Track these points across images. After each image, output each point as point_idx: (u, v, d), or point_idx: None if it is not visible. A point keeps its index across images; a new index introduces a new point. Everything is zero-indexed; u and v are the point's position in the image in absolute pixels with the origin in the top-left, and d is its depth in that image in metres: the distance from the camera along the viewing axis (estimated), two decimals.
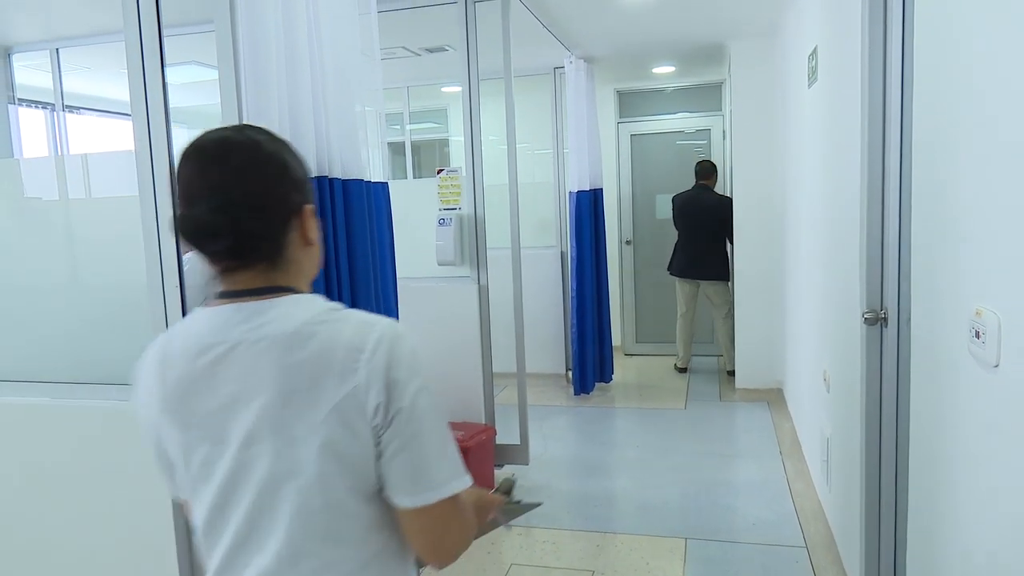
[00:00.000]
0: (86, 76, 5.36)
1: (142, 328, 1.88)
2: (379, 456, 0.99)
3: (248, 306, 1.00)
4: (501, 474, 4.04)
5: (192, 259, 2.88)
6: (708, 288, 5.90)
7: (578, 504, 3.69)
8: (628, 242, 6.81)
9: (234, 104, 1.73)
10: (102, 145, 6.18)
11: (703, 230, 5.80)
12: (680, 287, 6.01)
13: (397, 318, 2.25)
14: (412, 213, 4.04)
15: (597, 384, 5.68)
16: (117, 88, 5.73)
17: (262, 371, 0.97)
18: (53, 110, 5.08)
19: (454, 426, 3.77)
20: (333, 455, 0.96)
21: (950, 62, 1.61)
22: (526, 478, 4.03)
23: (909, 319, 1.97)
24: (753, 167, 5.28)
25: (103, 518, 1.95)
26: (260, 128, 1.07)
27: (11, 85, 4.79)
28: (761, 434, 4.60)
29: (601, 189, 5.65)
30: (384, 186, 2.19)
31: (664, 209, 6.55)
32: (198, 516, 1.05)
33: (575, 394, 5.57)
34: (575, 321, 5.43)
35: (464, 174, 3.91)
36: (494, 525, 1.36)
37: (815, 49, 3.43)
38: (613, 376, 5.83)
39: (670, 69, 6.30)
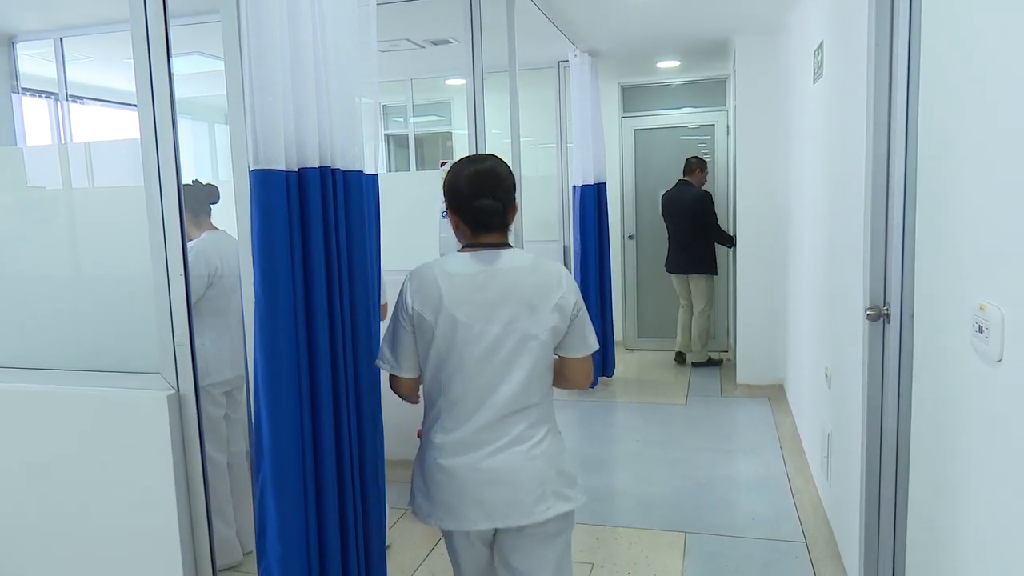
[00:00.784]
0: (90, 65, 5.35)
1: (145, 316, 1.89)
2: (567, 331, 1.84)
3: (493, 252, 1.81)
4: None
5: (196, 247, 2.89)
6: (690, 281, 6.04)
7: None
8: (631, 237, 6.81)
9: (240, 94, 1.72)
10: (105, 134, 6.18)
11: (683, 226, 5.94)
12: (675, 282, 6.15)
13: (380, 309, 2.24)
14: (415, 205, 4.04)
15: (599, 379, 5.69)
16: (120, 78, 5.73)
17: (517, 284, 1.79)
18: (56, 99, 5.08)
19: None
20: (551, 328, 1.80)
21: (956, 57, 1.61)
22: None
23: (912, 315, 1.97)
24: (757, 163, 5.27)
25: (107, 504, 1.96)
26: (500, 158, 1.89)
27: (15, 74, 4.79)
28: (762, 430, 4.61)
29: (604, 184, 5.64)
30: (374, 179, 2.19)
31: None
32: (453, 371, 1.78)
33: None
34: None
35: None
36: None
37: (821, 44, 3.42)
38: (615, 371, 5.83)
39: (674, 64, 6.28)
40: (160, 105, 1.75)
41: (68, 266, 2.46)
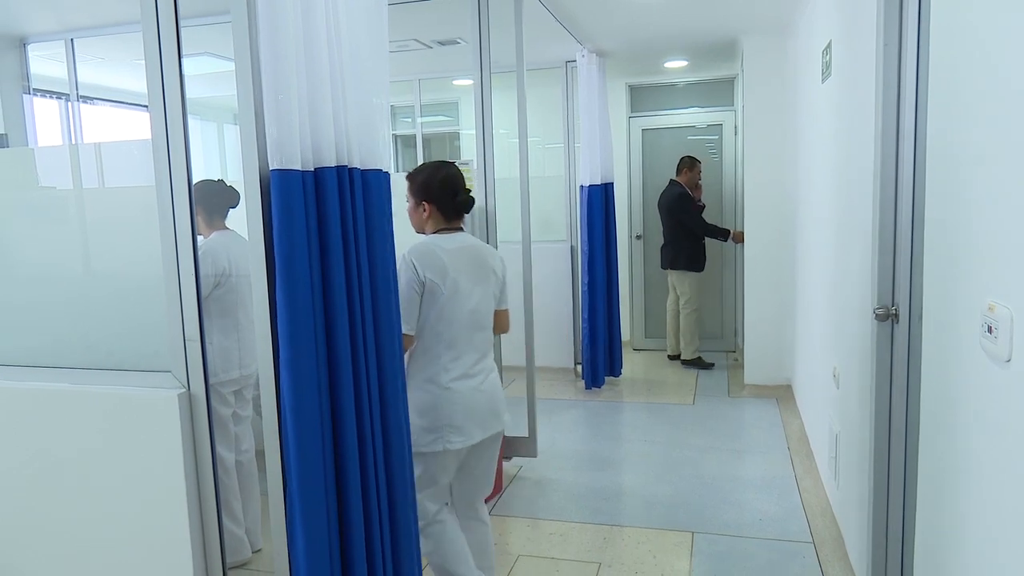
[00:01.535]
0: (100, 66, 5.39)
1: (156, 315, 1.90)
2: (501, 290, 2.54)
3: (461, 234, 2.47)
4: (509, 467, 4.06)
5: (204, 247, 2.91)
6: (672, 277, 6.13)
7: (586, 497, 3.71)
8: (638, 237, 6.81)
9: (250, 95, 1.73)
10: (115, 135, 6.21)
11: (666, 223, 6.10)
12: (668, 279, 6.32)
13: (398, 309, 2.25)
14: None
15: (606, 378, 5.69)
16: (130, 78, 5.77)
17: (483, 256, 2.48)
18: (67, 100, 5.12)
19: None
20: (499, 289, 2.53)
21: (965, 57, 1.61)
22: (534, 471, 4.05)
23: (920, 315, 1.96)
24: (765, 163, 5.27)
25: (118, 502, 1.97)
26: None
27: (26, 75, 4.82)
28: (769, 430, 4.60)
29: (612, 184, 5.64)
30: (386, 176, 2.20)
31: None
32: (451, 322, 2.37)
33: (585, 388, 5.58)
34: (585, 315, 5.44)
35: (475, 167, 3.92)
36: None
37: (829, 44, 3.41)
38: (622, 371, 5.83)
39: (682, 64, 6.28)
40: (171, 105, 1.76)
41: (79, 265, 2.48)
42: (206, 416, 1.87)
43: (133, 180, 2.33)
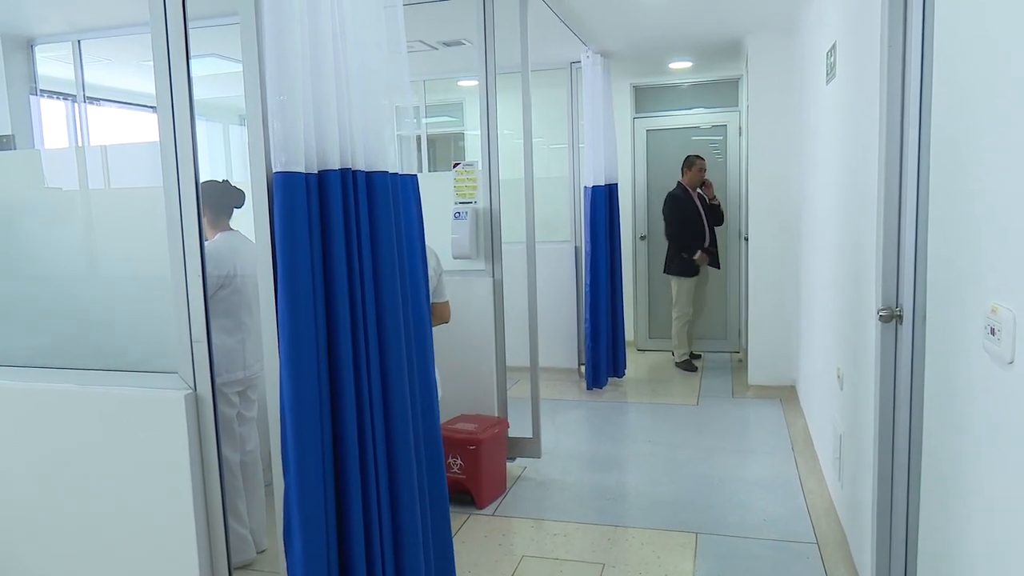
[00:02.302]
0: (107, 67, 5.41)
1: (162, 316, 1.91)
2: (435, 288, 3.07)
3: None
4: (513, 467, 4.07)
5: (208, 249, 2.92)
6: (670, 281, 6.16)
7: (590, 497, 3.71)
8: (643, 237, 6.81)
9: (258, 96, 1.75)
10: (121, 136, 6.23)
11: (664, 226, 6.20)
12: None
13: (428, 312, 2.27)
14: (427, 206, 4.04)
15: (610, 379, 5.69)
16: (137, 79, 5.79)
17: None
18: (74, 101, 5.14)
19: (467, 419, 3.79)
20: (431, 288, 2.95)
21: (970, 58, 1.61)
22: (538, 471, 4.05)
23: (924, 316, 1.97)
24: (769, 164, 5.26)
25: (125, 502, 1.98)
26: None
27: (34, 76, 4.85)
28: (773, 431, 4.60)
29: (616, 184, 5.65)
30: (413, 179, 2.20)
31: None
32: None
33: (588, 388, 5.59)
34: (589, 316, 5.44)
35: (480, 168, 3.93)
36: None
37: (834, 45, 3.41)
38: (626, 371, 5.84)
39: (687, 64, 6.28)
40: (179, 107, 1.77)
41: (85, 266, 2.49)
42: (212, 417, 1.88)
43: (139, 181, 2.35)
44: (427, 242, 2.40)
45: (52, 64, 5.02)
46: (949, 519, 1.75)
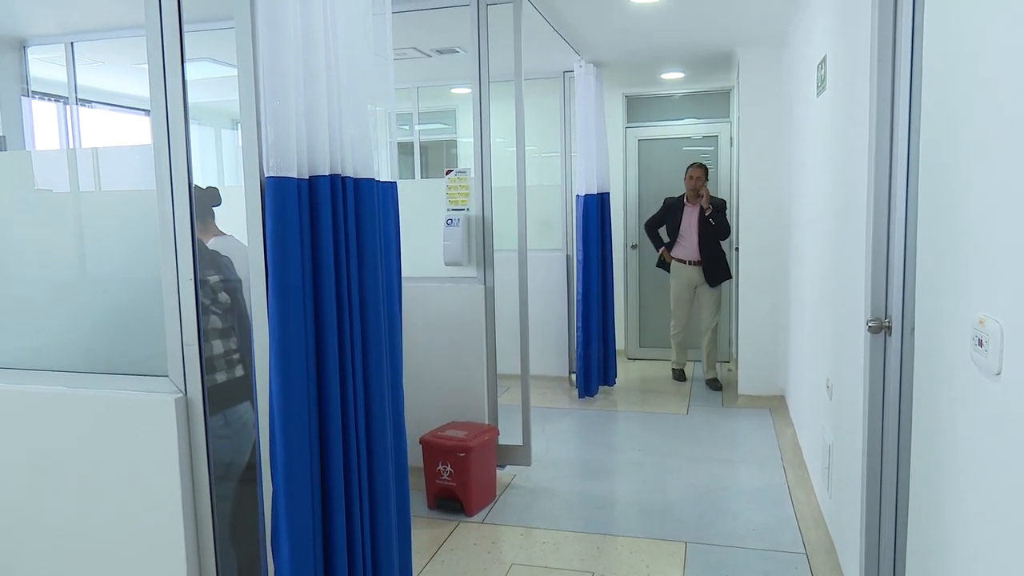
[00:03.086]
0: (99, 70, 5.40)
1: (153, 319, 1.90)
2: None
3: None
4: (503, 475, 4.06)
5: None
6: None
7: (579, 506, 3.71)
8: (634, 246, 6.84)
9: (252, 101, 1.75)
10: (113, 138, 6.21)
11: None
12: None
13: (400, 319, 2.26)
14: (420, 213, 4.07)
15: (601, 387, 5.70)
16: (129, 82, 5.77)
17: None
18: (66, 103, 5.12)
19: (457, 426, 3.79)
20: None
21: (959, 73, 1.63)
22: (528, 479, 4.05)
23: (913, 327, 1.98)
24: (760, 175, 5.30)
25: (114, 506, 1.97)
26: None
27: (26, 78, 4.83)
28: (762, 440, 4.62)
29: (608, 193, 5.67)
30: (393, 186, 2.21)
31: None
32: None
33: (579, 397, 5.59)
34: (580, 324, 5.45)
35: (473, 175, 3.94)
36: None
37: (824, 58, 3.45)
38: (616, 380, 5.84)
39: (679, 75, 6.32)
40: (173, 110, 1.77)
41: (76, 268, 2.48)
42: (203, 421, 1.87)
43: (129, 184, 2.34)
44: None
45: (45, 66, 5.01)
46: (937, 530, 1.77)
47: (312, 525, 1.87)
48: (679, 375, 6.11)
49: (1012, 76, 1.33)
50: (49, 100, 5.25)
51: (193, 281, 1.82)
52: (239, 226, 1.94)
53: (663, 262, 6.00)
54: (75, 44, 4.80)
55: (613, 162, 6.24)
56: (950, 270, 1.66)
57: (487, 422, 3.96)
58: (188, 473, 1.89)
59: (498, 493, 3.84)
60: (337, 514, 1.94)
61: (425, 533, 3.40)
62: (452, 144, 7.34)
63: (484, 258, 3.91)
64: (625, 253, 6.78)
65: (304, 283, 1.83)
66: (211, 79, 5.61)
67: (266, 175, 1.76)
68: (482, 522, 3.52)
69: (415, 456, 3.69)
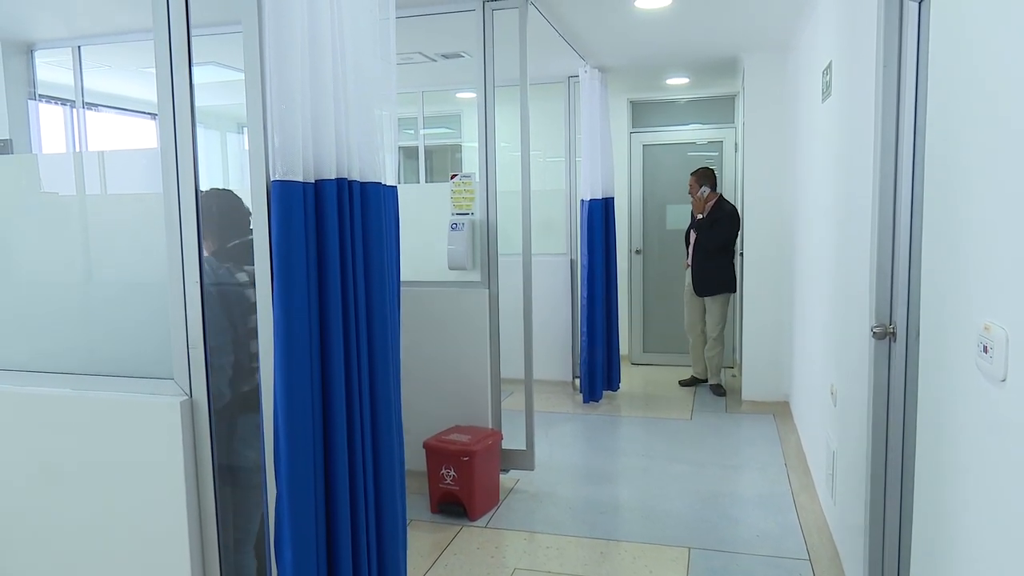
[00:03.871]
0: (106, 74, 5.42)
1: (159, 322, 1.91)
2: None
3: None
4: (507, 479, 4.06)
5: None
6: None
7: (582, 511, 3.71)
8: (638, 252, 6.83)
9: (259, 105, 1.76)
10: (119, 142, 6.24)
11: None
12: None
13: (399, 322, 2.27)
14: (424, 217, 4.07)
15: (604, 392, 5.69)
16: (136, 86, 5.80)
17: None
18: (72, 106, 5.15)
19: (461, 430, 3.79)
20: None
21: (964, 79, 1.63)
22: (531, 484, 4.05)
23: (918, 334, 1.98)
24: (764, 180, 5.30)
25: (119, 507, 1.97)
26: None
27: (33, 81, 4.85)
28: (767, 446, 4.61)
29: (612, 198, 5.67)
30: (393, 190, 2.21)
31: (673, 220, 6.64)
32: None
33: (583, 402, 5.58)
34: (584, 329, 5.45)
35: (477, 180, 3.94)
36: None
37: (829, 64, 3.45)
38: (620, 385, 5.84)
39: (684, 80, 6.32)
40: (180, 114, 1.78)
41: (82, 271, 2.49)
42: (208, 423, 1.88)
43: (135, 187, 2.35)
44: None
45: (52, 69, 5.03)
46: (941, 537, 1.76)
47: (316, 530, 1.87)
48: (688, 381, 6.08)
49: (1016, 84, 1.33)
50: (56, 104, 5.28)
51: (199, 283, 1.83)
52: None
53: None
54: (82, 48, 4.83)
55: (618, 167, 6.25)
56: (955, 276, 1.66)
57: (491, 426, 3.96)
58: (193, 475, 1.89)
59: (501, 498, 3.84)
60: (342, 520, 1.94)
61: (428, 537, 3.40)
62: (457, 148, 7.35)
63: (488, 262, 3.92)
64: (629, 258, 6.78)
65: (309, 287, 1.84)
66: (217, 83, 5.63)
67: (272, 179, 1.76)
68: (485, 526, 3.52)
69: (418, 460, 3.69)
